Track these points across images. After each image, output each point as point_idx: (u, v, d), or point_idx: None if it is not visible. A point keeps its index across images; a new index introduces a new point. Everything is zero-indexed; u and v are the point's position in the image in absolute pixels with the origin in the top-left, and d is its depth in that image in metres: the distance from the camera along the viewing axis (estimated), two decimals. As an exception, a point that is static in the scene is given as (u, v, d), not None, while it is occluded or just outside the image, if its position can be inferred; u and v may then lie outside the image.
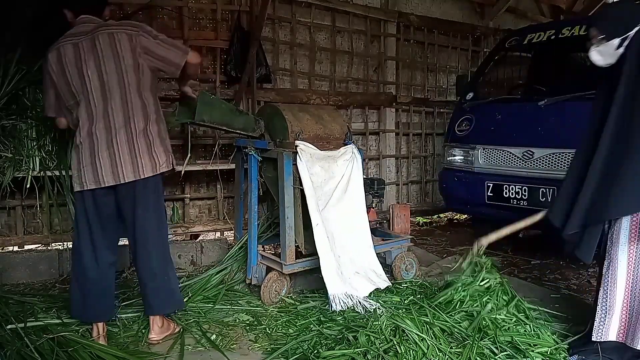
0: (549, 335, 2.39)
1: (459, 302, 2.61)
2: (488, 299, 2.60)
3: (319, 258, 2.83)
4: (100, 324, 2.45)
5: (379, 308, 2.58)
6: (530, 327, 2.42)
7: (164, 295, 2.52)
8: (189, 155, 3.26)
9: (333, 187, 3.08)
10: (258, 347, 2.48)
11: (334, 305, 2.72)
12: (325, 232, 2.89)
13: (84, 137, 2.32)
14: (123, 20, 2.48)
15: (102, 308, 2.47)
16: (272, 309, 2.92)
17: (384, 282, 3.06)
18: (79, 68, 2.28)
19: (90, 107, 2.30)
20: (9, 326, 2.39)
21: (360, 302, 2.73)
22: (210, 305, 2.95)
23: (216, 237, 4.33)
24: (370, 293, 2.92)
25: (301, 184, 2.92)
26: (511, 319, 2.48)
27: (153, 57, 2.36)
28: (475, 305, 2.55)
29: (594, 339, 2.21)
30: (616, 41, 2.12)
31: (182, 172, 3.69)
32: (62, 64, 2.29)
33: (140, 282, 2.53)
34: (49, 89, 2.38)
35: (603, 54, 2.18)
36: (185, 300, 2.98)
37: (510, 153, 3.80)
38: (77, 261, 2.43)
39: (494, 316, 2.47)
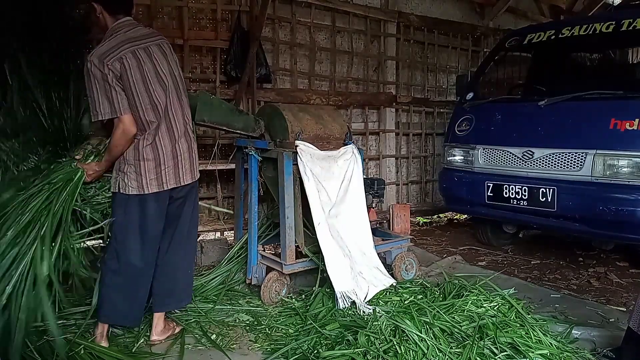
0: (549, 337, 2.38)
1: (460, 304, 2.62)
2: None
3: (322, 257, 2.83)
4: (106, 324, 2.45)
5: (378, 313, 2.57)
6: (530, 328, 2.41)
7: (184, 289, 2.63)
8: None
9: (336, 187, 3.09)
10: (258, 347, 2.49)
11: (341, 303, 2.73)
12: (329, 231, 2.90)
13: (150, 142, 2.33)
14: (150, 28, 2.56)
15: (141, 311, 2.51)
16: (272, 309, 2.92)
17: (388, 279, 3.08)
18: (156, 73, 2.34)
19: (160, 115, 2.35)
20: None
21: (361, 306, 2.73)
22: (210, 305, 2.95)
23: (216, 237, 4.33)
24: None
25: (302, 184, 2.92)
26: (511, 319, 2.48)
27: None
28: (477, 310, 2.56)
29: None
30: None
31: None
32: (142, 68, 2.29)
33: (163, 278, 2.53)
34: (118, 90, 2.23)
35: None
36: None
37: (510, 153, 3.80)
38: (129, 269, 2.38)
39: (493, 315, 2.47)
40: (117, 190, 2.36)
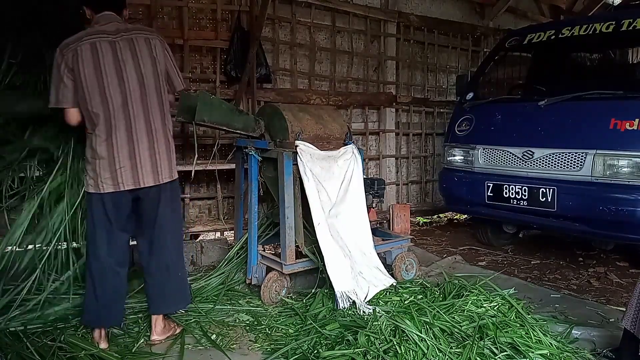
0: (549, 337, 2.38)
1: (459, 304, 2.62)
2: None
3: (322, 257, 2.83)
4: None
5: (378, 313, 2.57)
6: (530, 328, 2.41)
7: (175, 293, 2.56)
8: (195, 155, 3.26)
9: (336, 187, 3.09)
10: (258, 347, 2.49)
11: (340, 303, 2.73)
12: (328, 231, 2.90)
13: (105, 139, 2.29)
14: (136, 24, 2.51)
15: (118, 313, 2.48)
16: (272, 309, 2.92)
17: (388, 279, 3.08)
18: (117, 68, 2.28)
19: (110, 110, 2.28)
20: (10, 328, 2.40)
21: (362, 306, 2.73)
22: (210, 305, 2.95)
23: (216, 237, 4.33)
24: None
25: (302, 184, 2.92)
26: (511, 319, 2.48)
27: (165, 69, 2.44)
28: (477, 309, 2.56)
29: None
30: None
31: (192, 174, 3.66)
32: (98, 61, 2.25)
33: (151, 281, 2.53)
34: (66, 82, 2.26)
35: None
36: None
37: (510, 153, 3.80)
38: (96, 266, 2.39)
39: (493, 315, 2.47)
40: (85, 189, 2.42)
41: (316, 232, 2.86)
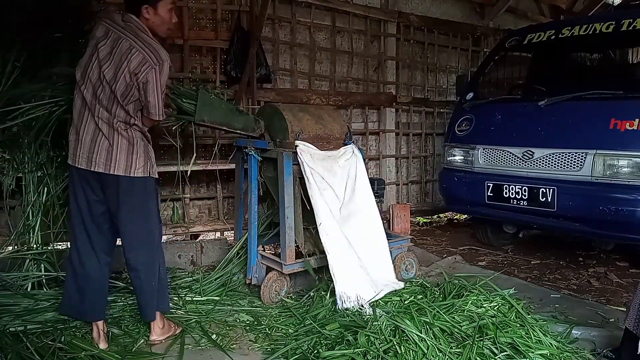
0: (549, 337, 2.38)
1: (459, 304, 2.61)
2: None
3: (326, 257, 2.83)
4: (100, 324, 2.45)
5: (378, 313, 2.56)
6: (530, 328, 2.41)
7: (151, 301, 2.49)
8: (194, 155, 3.26)
9: (342, 186, 3.08)
10: (258, 347, 2.49)
11: (340, 303, 2.72)
12: (333, 230, 2.89)
13: (75, 116, 2.38)
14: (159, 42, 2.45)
15: (98, 307, 2.46)
16: (272, 309, 2.92)
17: (398, 283, 3.07)
18: (91, 53, 2.34)
19: (82, 92, 2.33)
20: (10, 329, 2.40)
21: (363, 306, 2.72)
22: (211, 305, 2.95)
23: (216, 237, 4.33)
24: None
25: (302, 184, 2.92)
26: (511, 319, 2.48)
27: (142, 92, 2.32)
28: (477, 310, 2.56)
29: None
30: None
31: (188, 172, 3.65)
32: (98, 45, 2.34)
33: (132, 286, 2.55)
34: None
35: None
36: (186, 300, 2.99)
37: (510, 153, 3.80)
38: (75, 259, 2.42)
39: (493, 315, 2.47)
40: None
41: (319, 231, 2.86)
